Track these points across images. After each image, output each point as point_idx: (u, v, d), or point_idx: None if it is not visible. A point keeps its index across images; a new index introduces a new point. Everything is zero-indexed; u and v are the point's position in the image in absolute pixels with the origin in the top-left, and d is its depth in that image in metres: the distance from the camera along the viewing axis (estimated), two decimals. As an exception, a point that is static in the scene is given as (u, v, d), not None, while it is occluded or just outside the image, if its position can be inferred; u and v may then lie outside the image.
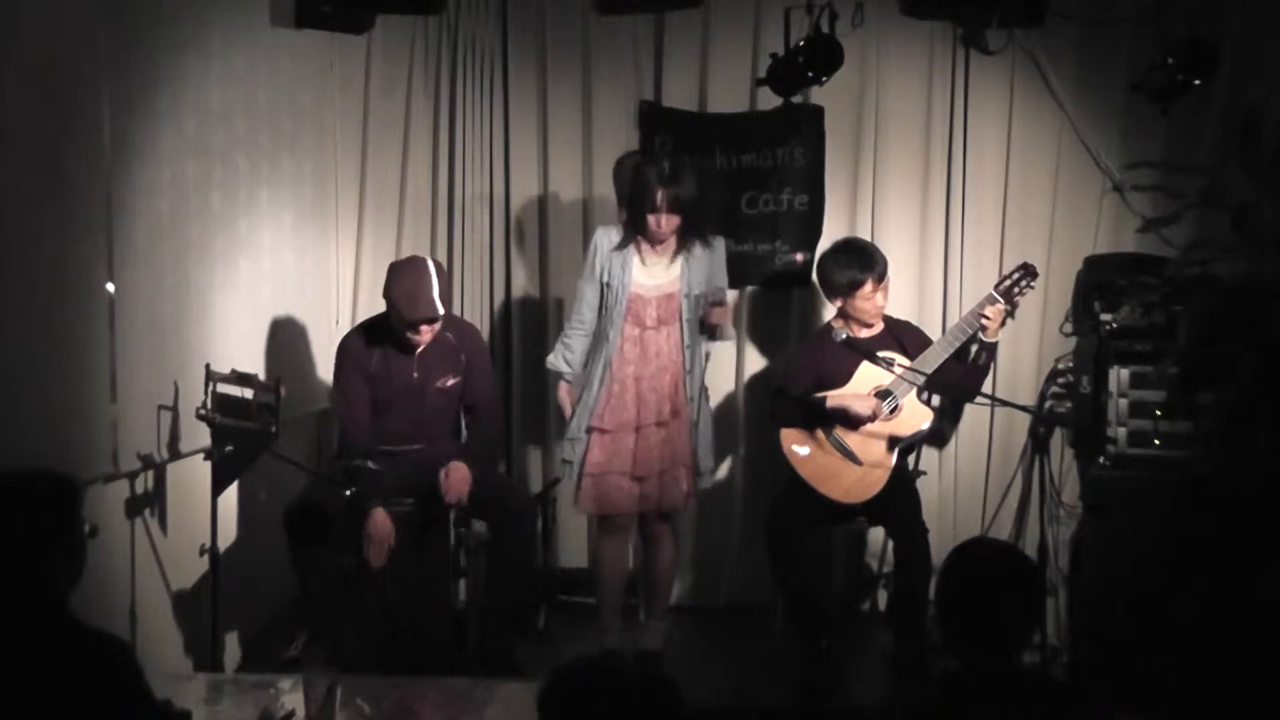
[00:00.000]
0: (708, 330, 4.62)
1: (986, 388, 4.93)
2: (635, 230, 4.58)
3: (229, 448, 4.24)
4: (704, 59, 5.42)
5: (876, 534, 5.20)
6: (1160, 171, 5.17)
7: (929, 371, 4.67)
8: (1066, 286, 5.24)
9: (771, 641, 4.96)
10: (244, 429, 4.26)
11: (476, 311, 5.56)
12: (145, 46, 4.16)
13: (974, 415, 5.29)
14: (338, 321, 5.46)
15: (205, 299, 4.52)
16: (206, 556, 4.26)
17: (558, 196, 5.54)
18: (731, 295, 5.43)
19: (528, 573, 4.71)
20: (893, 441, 4.68)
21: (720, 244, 4.72)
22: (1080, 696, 2.70)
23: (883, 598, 5.33)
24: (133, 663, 2.49)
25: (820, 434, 4.72)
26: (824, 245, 5.10)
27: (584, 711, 2.10)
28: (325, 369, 5.31)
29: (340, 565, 4.48)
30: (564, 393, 4.73)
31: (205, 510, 4.26)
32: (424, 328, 4.49)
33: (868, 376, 4.71)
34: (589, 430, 4.58)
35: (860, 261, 4.72)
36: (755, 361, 5.49)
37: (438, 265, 4.54)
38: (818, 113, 5.32)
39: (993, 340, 4.69)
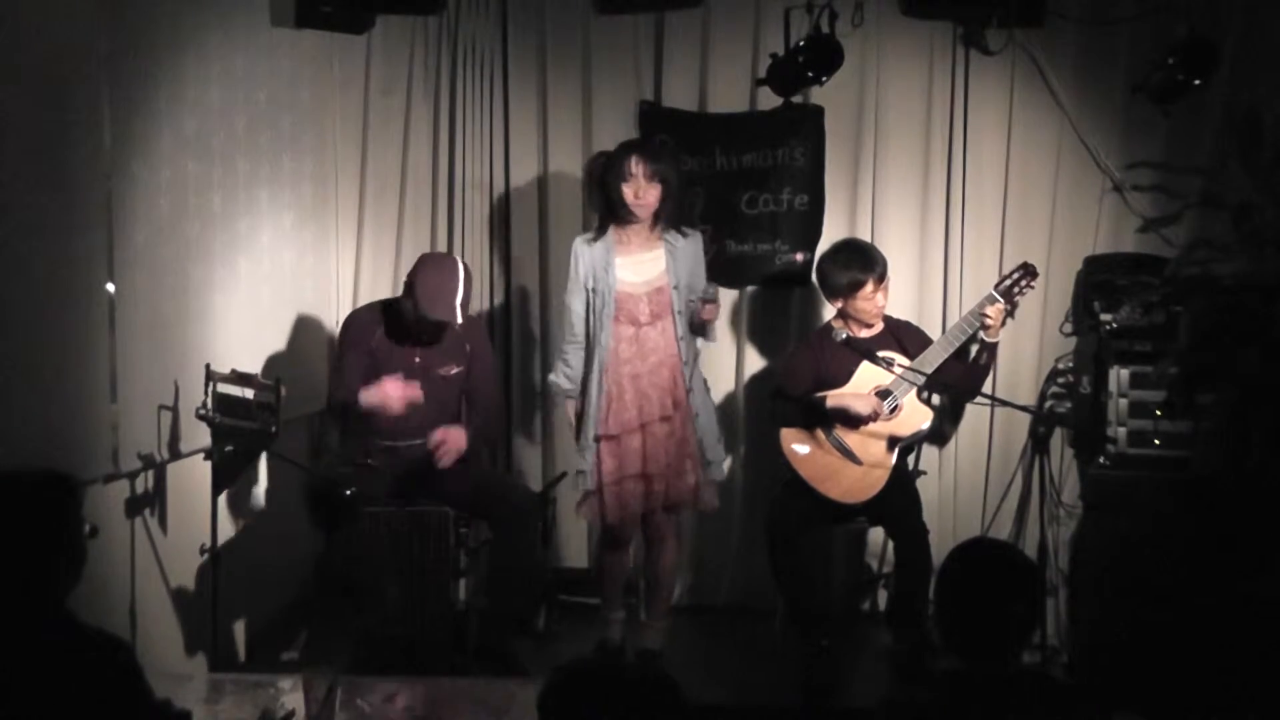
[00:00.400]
0: (699, 329, 4.62)
1: (986, 387, 4.93)
2: (613, 213, 4.57)
3: (229, 448, 4.24)
4: (704, 59, 5.42)
5: (876, 534, 5.19)
6: (1160, 171, 5.16)
7: (929, 371, 4.67)
8: (1066, 286, 5.24)
9: (771, 641, 4.96)
10: (244, 429, 4.26)
11: (476, 311, 5.55)
12: (145, 46, 4.16)
13: (974, 415, 5.29)
14: (338, 321, 5.46)
15: (205, 299, 4.52)
16: (206, 556, 4.27)
17: (558, 196, 5.54)
18: (731, 295, 5.45)
19: (531, 572, 4.71)
20: (893, 441, 4.68)
21: (699, 238, 4.73)
22: (1080, 696, 2.70)
23: (883, 598, 5.32)
24: (133, 662, 2.49)
25: (820, 434, 4.72)
26: (824, 245, 5.10)
27: (585, 711, 2.10)
28: (325, 369, 5.32)
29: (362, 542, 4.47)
30: (570, 410, 4.71)
31: (205, 510, 4.26)
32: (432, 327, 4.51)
33: (868, 376, 4.71)
34: (596, 439, 4.57)
35: (860, 262, 4.72)
36: (755, 361, 5.49)
37: (467, 270, 4.55)
38: (818, 113, 5.32)
39: (993, 340, 4.69)
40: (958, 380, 4.79)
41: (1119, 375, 4.78)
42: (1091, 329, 4.92)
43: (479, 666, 4.45)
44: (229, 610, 4.39)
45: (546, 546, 5.24)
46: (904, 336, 4.80)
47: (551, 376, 4.78)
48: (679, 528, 4.85)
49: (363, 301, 5.43)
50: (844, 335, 4.72)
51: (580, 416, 4.63)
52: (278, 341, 5.05)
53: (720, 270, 5.35)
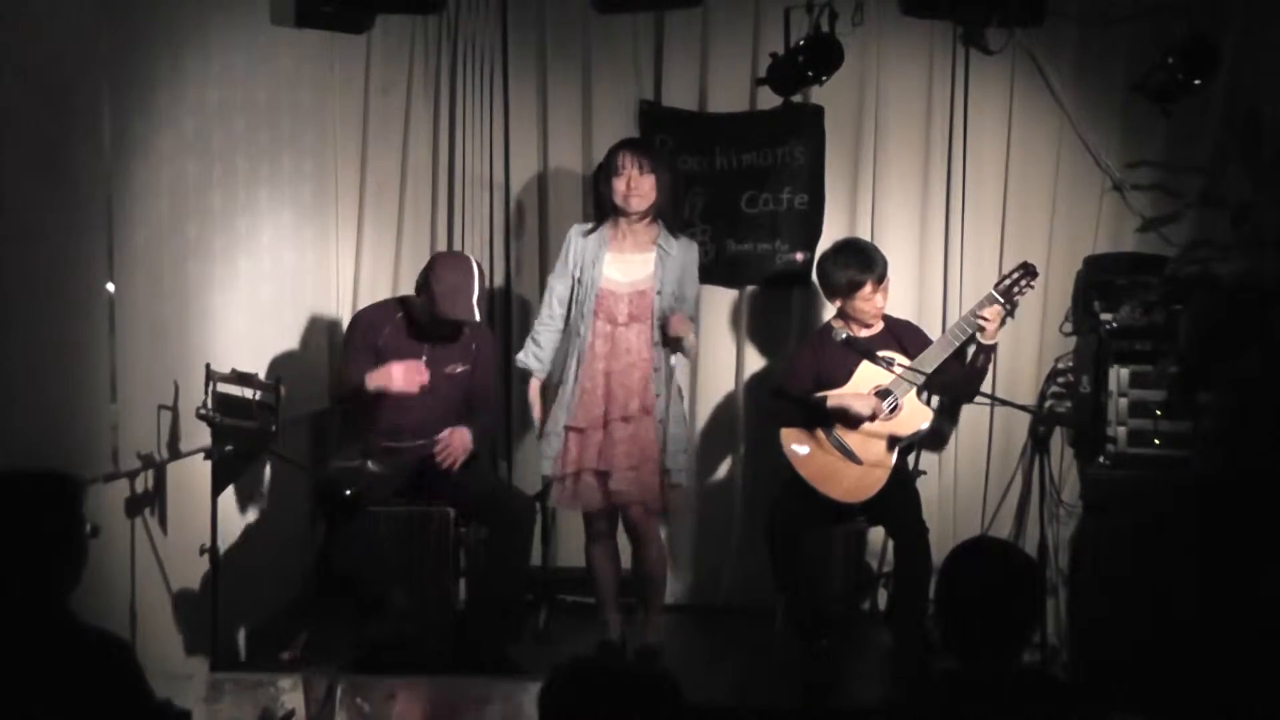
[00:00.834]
0: (670, 342, 4.60)
1: (986, 387, 4.93)
2: (607, 206, 4.60)
3: (229, 447, 4.24)
4: (704, 59, 5.42)
5: (876, 534, 5.19)
6: (1160, 171, 5.16)
7: (929, 371, 4.67)
8: (1066, 286, 5.23)
9: (771, 641, 4.96)
10: (244, 429, 4.26)
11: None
12: (145, 46, 4.16)
13: (974, 415, 5.29)
14: (338, 321, 5.46)
15: (205, 298, 4.52)
16: (206, 556, 4.27)
17: (558, 196, 5.54)
18: (731, 295, 5.44)
19: (520, 575, 4.70)
20: (892, 441, 4.68)
21: (694, 249, 4.74)
22: (1080, 696, 2.70)
23: (883, 598, 5.32)
24: (133, 662, 2.48)
25: (820, 433, 4.72)
26: (824, 245, 5.10)
27: (585, 710, 2.10)
28: (325, 369, 5.32)
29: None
30: (534, 391, 4.75)
31: (205, 510, 4.26)
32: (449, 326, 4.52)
33: (867, 376, 4.71)
34: (566, 428, 4.59)
35: (860, 262, 4.71)
36: (755, 361, 5.49)
37: (481, 268, 4.59)
38: (818, 112, 5.32)
39: (991, 342, 4.69)
40: (955, 382, 4.79)
41: (1119, 375, 4.78)
42: (1091, 329, 4.92)
43: (479, 666, 4.45)
44: (229, 610, 4.39)
45: (546, 547, 5.25)
46: (904, 336, 4.80)
47: (520, 355, 4.80)
48: (657, 526, 4.83)
49: (363, 300, 5.43)
50: (844, 335, 4.72)
51: (549, 403, 4.67)
52: (278, 341, 5.05)
53: (720, 270, 5.37)
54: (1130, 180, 5.19)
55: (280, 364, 4.96)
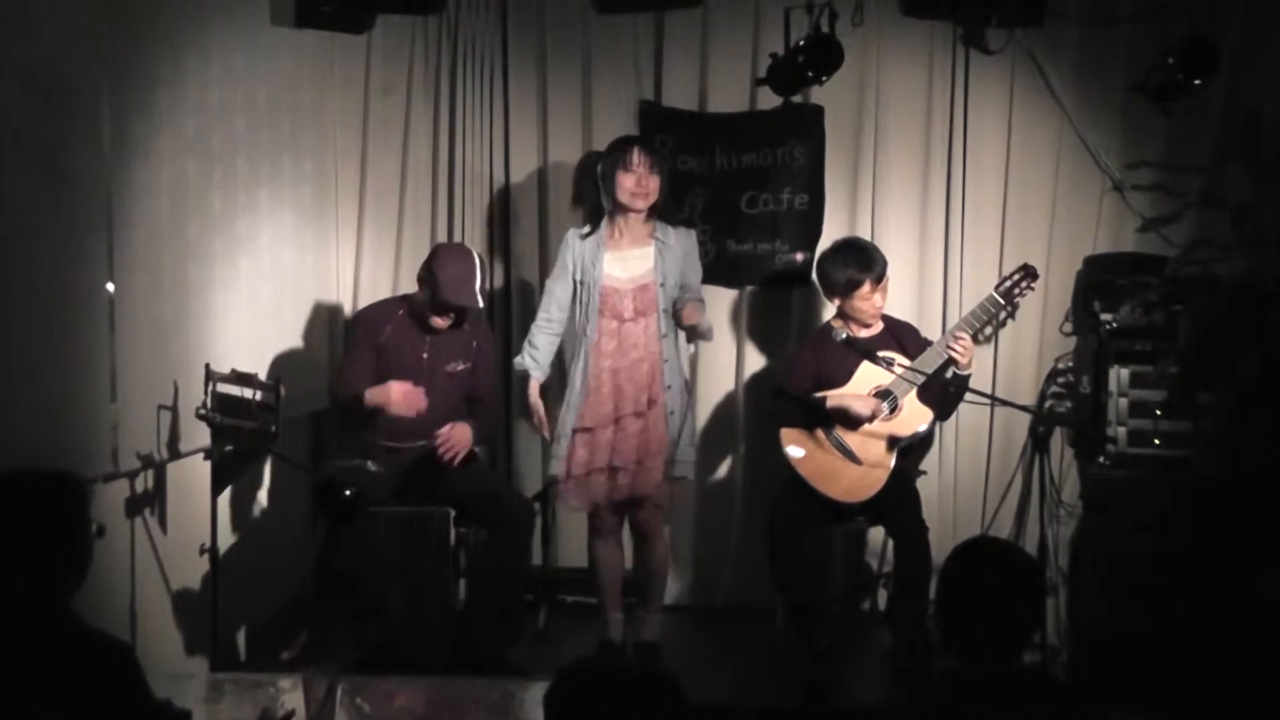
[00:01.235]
0: (686, 330, 4.63)
1: (985, 387, 4.93)
2: (611, 204, 4.61)
3: (229, 448, 4.24)
4: (704, 59, 5.42)
5: (876, 534, 5.19)
6: (1160, 171, 5.16)
7: (929, 372, 4.66)
8: (1066, 286, 5.23)
9: (771, 641, 4.96)
10: (244, 429, 4.26)
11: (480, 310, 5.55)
12: (145, 46, 4.16)
13: (974, 415, 5.28)
14: (338, 321, 5.46)
15: (205, 299, 4.52)
16: (206, 556, 4.27)
17: (557, 196, 5.54)
18: (731, 295, 5.45)
19: (520, 576, 4.71)
20: (892, 441, 4.67)
21: (692, 236, 4.77)
22: (1080, 696, 2.70)
23: (883, 598, 5.32)
24: (134, 666, 2.48)
25: (820, 433, 4.71)
26: (824, 245, 5.10)
27: (585, 710, 2.10)
28: (325, 369, 5.32)
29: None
30: (535, 393, 4.75)
31: (205, 510, 4.26)
32: (453, 315, 4.54)
33: (867, 376, 4.71)
34: (574, 429, 4.60)
35: (859, 262, 4.71)
36: (755, 361, 5.49)
37: (481, 258, 4.62)
38: (818, 112, 5.32)
39: (966, 373, 4.68)
40: (930, 404, 4.75)
41: (1119, 375, 4.78)
42: (1091, 329, 4.92)
43: (479, 666, 4.45)
44: (229, 610, 4.39)
45: (546, 546, 5.25)
46: (904, 337, 4.80)
47: (517, 359, 4.81)
48: (661, 522, 4.83)
49: (363, 300, 5.43)
50: (844, 335, 4.72)
51: (553, 405, 4.68)
52: (278, 341, 5.05)
53: (720, 270, 5.36)
54: (1130, 180, 5.19)
55: (280, 364, 4.96)
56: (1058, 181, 5.27)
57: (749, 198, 5.41)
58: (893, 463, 4.67)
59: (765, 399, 5.05)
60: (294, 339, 5.19)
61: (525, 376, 4.78)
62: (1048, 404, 5.24)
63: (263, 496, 4.97)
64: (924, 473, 5.13)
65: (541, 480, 5.43)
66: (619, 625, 4.79)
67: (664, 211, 4.70)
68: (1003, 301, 4.76)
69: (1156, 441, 4.74)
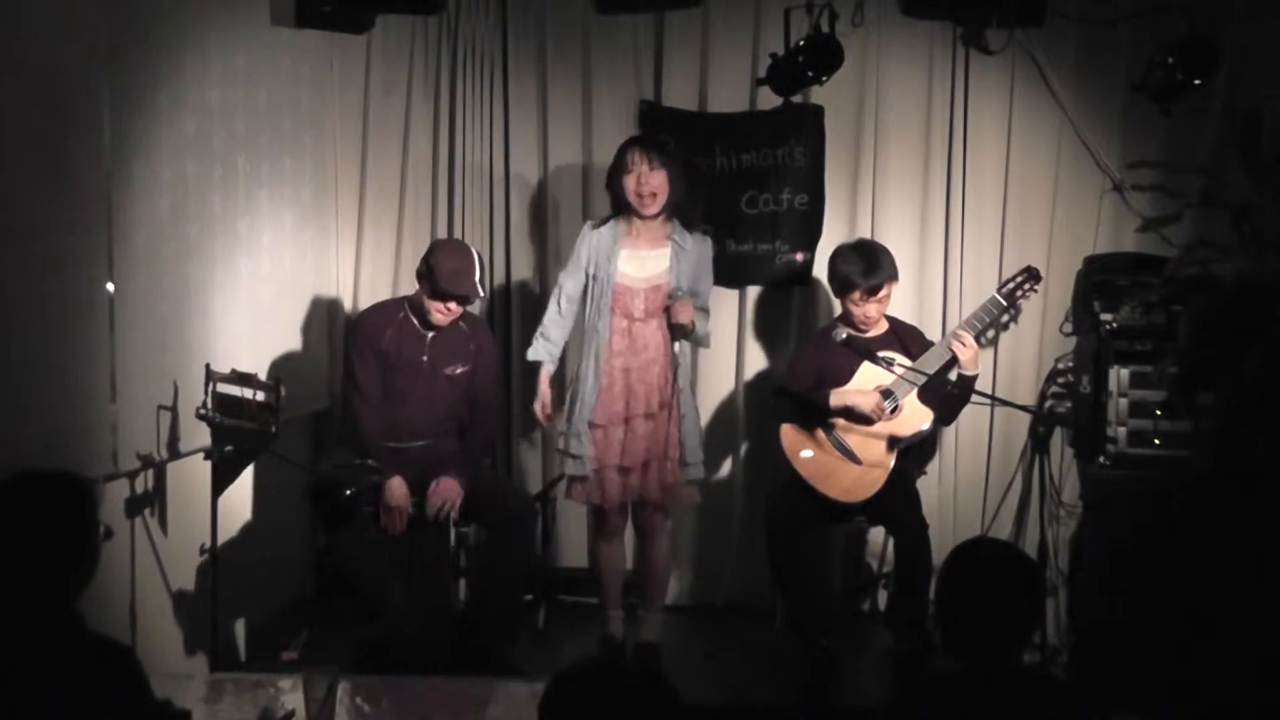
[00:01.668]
0: (674, 330, 4.60)
1: (985, 387, 4.93)
2: (621, 205, 4.61)
3: (229, 448, 4.24)
4: (704, 59, 5.42)
5: (876, 534, 5.20)
6: (1160, 171, 5.17)
7: (930, 372, 4.66)
8: (1066, 286, 5.24)
9: (771, 641, 4.96)
10: (244, 429, 4.26)
11: (480, 311, 5.54)
12: (145, 46, 4.16)
13: (974, 415, 5.28)
14: (338, 321, 5.46)
15: (205, 299, 4.52)
16: (206, 556, 4.27)
17: (558, 197, 5.54)
18: (732, 295, 5.44)
19: (519, 577, 4.72)
20: (893, 441, 4.67)
21: (708, 244, 4.74)
22: (1080, 696, 2.70)
23: (883, 598, 5.32)
24: (136, 669, 2.48)
25: (820, 433, 4.72)
26: (824, 245, 5.10)
27: (583, 710, 2.10)
28: (325, 369, 5.32)
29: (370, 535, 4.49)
30: (544, 381, 4.72)
31: (205, 510, 4.26)
32: (452, 305, 4.54)
33: (869, 376, 4.71)
34: (587, 425, 4.60)
35: (860, 267, 4.70)
36: (755, 361, 5.49)
37: (479, 254, 4.62)
38: (818, 113, 5.33)
39: (971, 374, 4.68)
40: (932, 405, 4.75)
41: (1119, 375, 4.78)
42: (1091, 329, 4.92)
43: (478, 666, 4.45)
44: (229, 610, 4.39)
45: (546, 546, 5.25)
46: (907, 339, 4.80)
47: (530, 350, 4.78)
48: (668, 522, 4.84)
49: (363, 301, 5.44)
50: (845, 335, 4.72)
51: (569, 399, 4.67)
52: (278, 341, 5.05)
53: (720, 270, 5.34)
54: (1130, 180, 5.20)
55: (280, 364, 4.96)
56: (1058, 181, 5.27)
57: (749, 198, 5.41)
58: (892, 463, 4.67)
59: (768, 397, 5.06)
60: (294, 339, 5.19)
61: (536, 364, 4.77)
62: (1048, 404, 5.24)
63: (263, 496, 4.97)
64: (924, 473, 5.12)
65: (542, 480, 5.44)
66: (619, 623, 4.79)
67: (684, 213, 4.68)
68: (1005, 303, 4.76)
69: (1156, 441, 4.75)
